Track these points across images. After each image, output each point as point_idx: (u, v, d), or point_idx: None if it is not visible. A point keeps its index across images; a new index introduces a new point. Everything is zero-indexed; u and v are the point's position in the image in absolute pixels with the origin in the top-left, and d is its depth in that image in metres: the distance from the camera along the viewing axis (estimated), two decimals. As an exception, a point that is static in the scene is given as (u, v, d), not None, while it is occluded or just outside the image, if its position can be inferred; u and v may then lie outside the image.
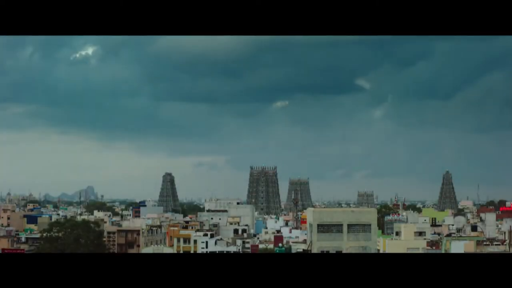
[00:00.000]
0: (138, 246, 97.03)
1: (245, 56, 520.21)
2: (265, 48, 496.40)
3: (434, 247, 72.91)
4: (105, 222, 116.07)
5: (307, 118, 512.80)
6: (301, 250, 74.19)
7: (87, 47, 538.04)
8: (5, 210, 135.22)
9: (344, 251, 56.50)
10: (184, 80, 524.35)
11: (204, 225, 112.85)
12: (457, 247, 66.36)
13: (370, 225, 58.62)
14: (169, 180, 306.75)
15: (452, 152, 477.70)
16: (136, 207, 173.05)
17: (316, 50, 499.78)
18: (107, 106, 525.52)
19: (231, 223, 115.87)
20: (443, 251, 68.75)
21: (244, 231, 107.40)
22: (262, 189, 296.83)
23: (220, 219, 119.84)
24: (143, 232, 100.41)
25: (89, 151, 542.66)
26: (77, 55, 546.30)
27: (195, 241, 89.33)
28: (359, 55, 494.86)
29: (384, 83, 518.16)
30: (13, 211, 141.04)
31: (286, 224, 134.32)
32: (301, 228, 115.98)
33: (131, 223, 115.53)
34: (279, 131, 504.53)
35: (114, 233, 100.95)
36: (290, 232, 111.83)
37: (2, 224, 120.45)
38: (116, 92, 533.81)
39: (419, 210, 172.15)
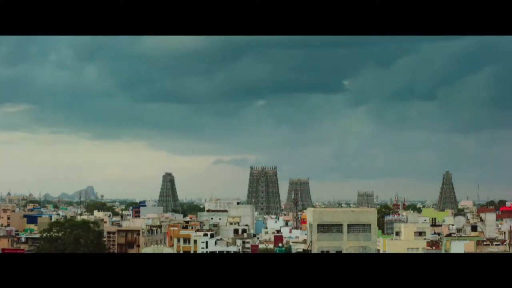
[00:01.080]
0: (138, 246, 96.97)
1: (224, 56, 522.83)
2: (244, 48, 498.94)
3: (434, 247, 72.78)
4: (105, 222, 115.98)
5: (289, 118, 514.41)
6: (301, 250, 74.16)
7: (67, 49, 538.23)
8: (5, 210, 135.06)
9: (344, 251, 56.47)
10: (166, 81, 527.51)
11: (204, 225, 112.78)
12: (457, 247, 66.24)
13: (370, 225, 58.55)
14: (169, 180, 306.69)
15: (440, 152, 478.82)
16: (136, 207, 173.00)
17: (298, 50, 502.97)
18: (87, 106, 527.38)
19: (231, 223, 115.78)
20: (443, 251, 68.66)
21: (244, 231, 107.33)
22: (262, 189, 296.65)
23: (220, 219, 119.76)
24: (143, 232, 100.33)
25: (82, 150, 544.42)
26: (54, 56, 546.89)
27: (195, 241, 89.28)
28: (342, 55, 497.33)
29: (367, 84, 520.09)
30: (13, 211, 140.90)
31: (286, 224, 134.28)
32: (301, 228, 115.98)
33: (131, 223, 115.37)
34: (262, 130, 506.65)
35: (114, 233, 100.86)
36: (290, 232, 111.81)
37: (2, 224, 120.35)
38: (96, 93, 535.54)
39: (419, 210, 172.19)
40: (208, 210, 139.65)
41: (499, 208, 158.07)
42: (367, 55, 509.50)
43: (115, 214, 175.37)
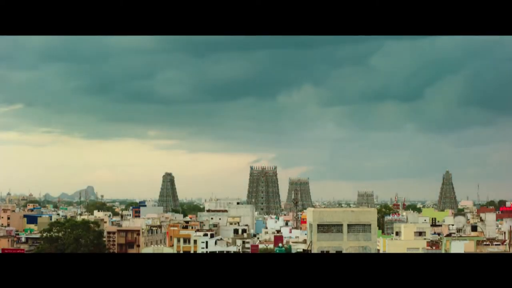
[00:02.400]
0: (138, 246, 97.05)
1: (198, 55, 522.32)
2: (222, 47, 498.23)
3: (434, 247, 72.84)
4: (105, 222, 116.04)
5: (267, 118, 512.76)
6: (301, 250, 74.19)
7: (42, 49, 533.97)
8: (5, 210, 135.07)
9: (344, 251, 56.50)
10: (150, 80, 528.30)
11: (204, 225, 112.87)
12: (457, 247, 66.29)
13: (370, 225, 58.60)
14: (169, 180, 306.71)
15: (435, 152, 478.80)
16: (136, 207, 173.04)
17: (276, 49, 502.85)
18: (75, 105, 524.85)
19: (231, 223, 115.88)
20: (443, 251, 68.69)
21: (244, 231, 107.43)
22: (262, 189, 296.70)
23: (220, 219, 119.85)
24: (143, 232, 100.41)
25: (78, 150, 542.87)
26: (29, 56, 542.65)
27: (195, 241, 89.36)
28: (328, 54, 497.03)
29: (346, 84, 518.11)
30: (13, 211, 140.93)
31: (286, 224, 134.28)
32: (301, 228, 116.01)
33: (131, 223, 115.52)
34: (254, 130, 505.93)
35: (114, 233, 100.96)
36: (290, 232, 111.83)
37: (2, 224, 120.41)
38: (82, 92, 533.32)
39: (419, 210, 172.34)
40: (208, 210, 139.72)
41: (499, 208, 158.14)
42: (349, 54, 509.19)
43: (115, 214, 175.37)
